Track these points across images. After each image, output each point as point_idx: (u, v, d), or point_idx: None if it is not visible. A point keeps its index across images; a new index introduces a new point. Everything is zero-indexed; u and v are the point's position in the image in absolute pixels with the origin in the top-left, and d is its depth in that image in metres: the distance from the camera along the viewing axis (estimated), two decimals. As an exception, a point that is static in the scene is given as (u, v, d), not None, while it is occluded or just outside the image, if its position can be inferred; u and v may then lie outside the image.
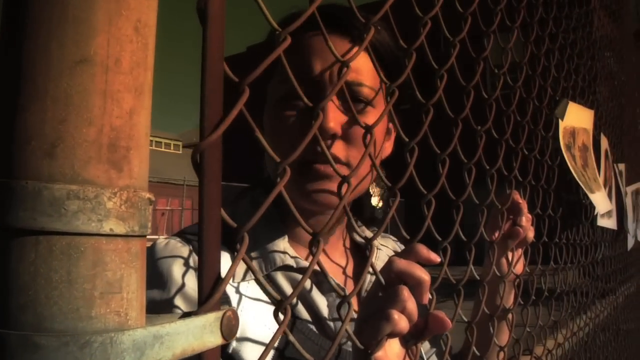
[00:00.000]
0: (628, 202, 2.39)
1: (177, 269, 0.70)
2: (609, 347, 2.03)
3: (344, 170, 0.70)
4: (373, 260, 0.86)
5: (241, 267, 0.74)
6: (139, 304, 0.34)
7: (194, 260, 0.72)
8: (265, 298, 0.74)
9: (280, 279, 0.76)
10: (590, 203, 1.59)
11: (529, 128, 1.11)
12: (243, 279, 0.74)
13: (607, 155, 1.86)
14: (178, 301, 0.68)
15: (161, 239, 0.75)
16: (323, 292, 0.78)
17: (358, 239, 0.90)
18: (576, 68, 1.33)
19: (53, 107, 0.30)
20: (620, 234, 2.28)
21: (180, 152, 47.11)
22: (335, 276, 0.82)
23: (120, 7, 0.33)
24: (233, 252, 0.75)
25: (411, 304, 0.59)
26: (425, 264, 0.65)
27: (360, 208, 0.90)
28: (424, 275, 0.62)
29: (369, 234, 0.93)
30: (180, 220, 16.58)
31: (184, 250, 0.73)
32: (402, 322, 0.58)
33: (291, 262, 0.76)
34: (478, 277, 0.90)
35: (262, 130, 0.81)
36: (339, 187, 0.57)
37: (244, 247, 0.43)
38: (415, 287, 0.62)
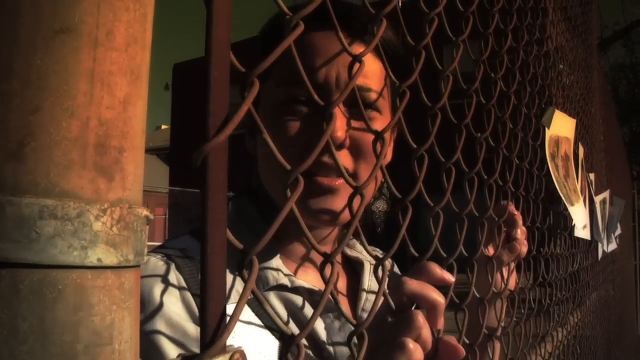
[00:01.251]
0: (597, 211, 2.40)
1: (158, 290, 0.61)
2: (574, 354, 2.01)
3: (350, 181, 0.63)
4: (367, 277, 0.80)
5: (230, 288, 0.66)
6: (133, 355, 0.26)
7: (177, 280, 0.63)
8: (257, 321, 0.66)
9: (273, 299, 0.69)
10: (569, 214, 1.56)
11: (521, 137, 1.06)
12: (233, 300, 0.65)
13: (582, 165, 1.85)
14: (161, 326, 0.59)
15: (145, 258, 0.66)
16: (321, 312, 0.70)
17: (349, 252, 0.83)
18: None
19: (22, 92, 0.22)
20: (591, 243, 2.28)
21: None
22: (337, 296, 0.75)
23: (114, -37, 0.25)
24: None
25: (426, 331, 0.53)
26: (439, 284, 0.58)
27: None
28: (438, 297, 0.55)
29: (359, 247, 0.86)
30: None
31: (166, 268, 0.64)
32: (417, 352, 0.51)
33: (285, 280, 0.69)
34: (478, 295, 0.84)
35: (253, 138, 0.74)
36: (350, 200, 0.50)
37: (253, 275, 0.35)
38: (430, 310, 0.55)
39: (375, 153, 0.54)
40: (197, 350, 0.60)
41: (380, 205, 0.83)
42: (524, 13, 1.18)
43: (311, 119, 0.67)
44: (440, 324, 0.56)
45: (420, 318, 0.52)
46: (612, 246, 3.00)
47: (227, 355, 0.32)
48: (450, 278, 0.59)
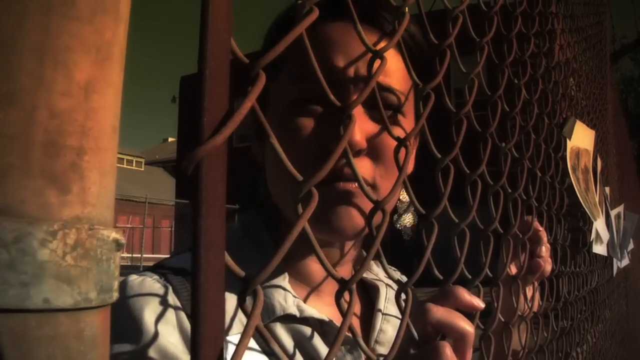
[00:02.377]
0: (613, 226, 2.33)
1: (153, 317, 0.54)
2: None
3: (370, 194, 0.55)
4: (383, 303, 0.72)
5: (230, 317, 0.59)
6: None
7: (174, 305, 0.56)
8: (256, 347, 0.59)
9: (280, 331, 0.61)
10: (589, 229, 1.49)
11: (544, 147, 1.00)
12: (233, 331, 0.58)
13: (599, 179, 1.78)
14: (154, 355, 0.52)
15: (133, 276, 0.59)
16: (329, 343, 0.63)
17: (364, 275, 0.76)
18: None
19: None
20: (607, 259, 2.20)
21: (143, 169, 46.37)
22: (340, 320, 0.67)
23: None
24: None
25: None
26: (467, 311, 0.51)
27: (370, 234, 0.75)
28: (468, 326, 0.48)
29: (375, 269, 0.79)
30: (141, 238, 16.06)
31: (162, 291, 0.57)
32: None
33: (294, 310, 0.61)
34: (502, 319, 0.77)
35: (261, 144, 0.67)
36: (370, 216, 0.43)
37: (257, 309, 0.28)
38: (457, 341, 0.48)
39: (398, 163, 0.48)
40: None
41: (407, 220, 0.75)
42: (539, 19, 1.12)
43: (327, 120, 0.60)
44: (469, 356, 0.49)
45: (448, 350, 0.46)
46: (625, 262, 2.92)
47: (223, 412, 0.26)
48: (480, 304, 0.52)
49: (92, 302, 0.18)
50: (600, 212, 1.52)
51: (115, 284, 0.21)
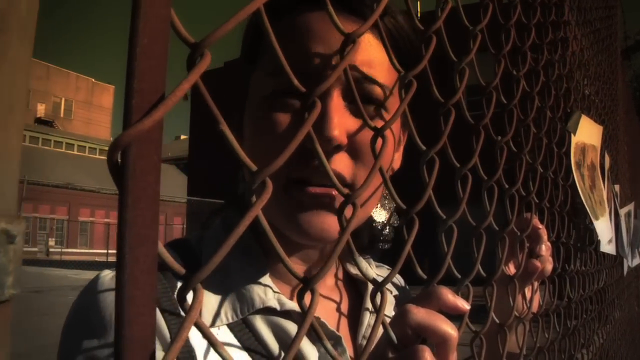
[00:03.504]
0: (622, 225, 2.28)
1: None
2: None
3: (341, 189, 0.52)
4: (369, 302, 0.70)
5: (209, 310, 0.57)
6: None
7: None
8: (237, 343, 0.57)
9: (260, 324, 0.59)
10: (594, 228, 1.45)
11: (546, 142, 0.97)
12: (212, 324, 0.57)
13: (608, 176, 1.74)
14: None
15: (106, 272, 0.58)
16: (314, 340, 0.61)
17: (353, 271, 0.74)
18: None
19: None
20: (617, 259, 2.16)
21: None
22: (328, 316, 0.65)
23: None
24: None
25: None
26: (450, 313, 0.48)
27: (357, 230, 0.73)
28: (450, 329, 0.46)
29: (364, 265, 0.76)
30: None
31: None
32: None
33: (274, 303, 0.59)
34: (497, 321, 0.74)
35: (239, 135, 0.64)
36: (340, 210, 0.41)
37: (197, 305, 0.26)
38: (440, 345, 0.46)
39: (374, 153, 0.45)
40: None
41: (382, 217, 0.73)
42: (547, 9, 1.08)
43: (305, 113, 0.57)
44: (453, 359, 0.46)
45: (427, 355, 0.43)
46: (637, 261, 2.86)
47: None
48: (465, 306, 0.49)
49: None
50: (606, 210, 1.48)
51: (9, 280, 0.18)
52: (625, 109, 3.48)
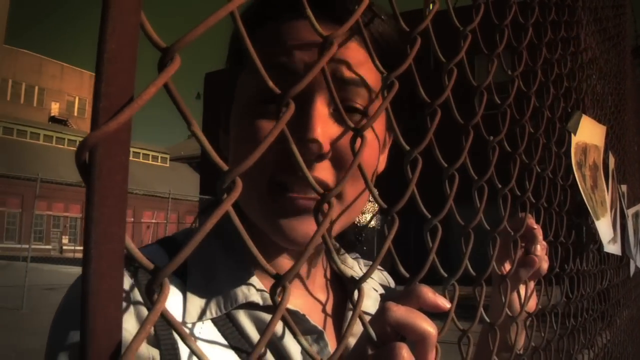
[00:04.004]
0: (629, 225, 2.27)
1: None
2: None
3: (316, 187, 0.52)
4: (356, 295, 0.71)
5: (195, 306, 0.59)
6: None
7: (132, 290, 0.55)
8: (223, 341, 0.58)
9: (243, 319, 0.60)
10: (597, 228, 1.45)
11: (543, 142, 0.97)
12: (199, 319, 0.58)
13: (613, 176, 1.73)
14: None
15: None
16: (294, 332, 0.62)
17: (339, 269, 0.75)
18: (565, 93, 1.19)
19: None
20: (623, 259, 2.15)
21: (168, 165, 46.92)
22: (314, 313, 0.66)
23: None
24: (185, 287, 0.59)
25: None
26: (431, 311, 0.49)
27: (343, 231, 0.74)
28: (429, 327, 0.46)
29: (350, 262, 0.77)
30: (165, 233, 16.26)
31: (125, 282, 0.56)
32: None
33: (257, 298, 0.60)
34: (488, 320, 0.75)
35: (227, 133, 0.65)
36: (316, 211, 0.42)
37: (162, 298, 0.27)
38: (419, 343, 0.47)
39: (353, 151, 0.46)
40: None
41: (364, 218, 0.74)
42: (548, 8, 1.09)
43: (289, 121, 0.58)
44: (432, 358, 0.47)
45: (405, 352, 0.44)
46: (645, 261, 2.85)
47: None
48: (446, 304, 0.50)
49: None
50: (607, 210, 1.47)
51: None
52: (635, 108, 3.45)
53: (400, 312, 0.46)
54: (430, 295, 0.49)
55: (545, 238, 0.94)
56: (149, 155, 47.04)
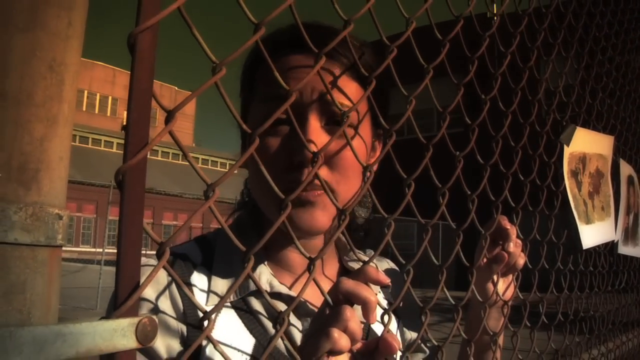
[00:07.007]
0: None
1: (151, 291, 0.73)
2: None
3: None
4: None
5: (217, 290, 0.76)
6: (45, 305, 0.39)
7: (167, 280, 0.74)
8: (239, 321, 0.76)
9: (255, 303, 0.78)
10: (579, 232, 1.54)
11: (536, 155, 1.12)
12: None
13: (631, 181, 1.82)
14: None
15: (143, 259, 0.79)
16: (299, 316, 0.80)
17: (349, 264, 0.92)
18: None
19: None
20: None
21: (236, 171, 48.09)
22: (317, 300, 0.81)
23: (35, 48, 0.38)
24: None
25: (353, 324, 0.61)
26: (375, 284, 0.67)
27: (353, 227, 0.93)
28: (370, 295, 0.64)
29: (365, 258, 0.95)
30: (189, 236, 16.77)
31: (162, 272, 0.74)
32: (342, 341, 0.59)
33: (265, 286, 0.77)
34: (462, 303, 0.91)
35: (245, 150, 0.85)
36: (310, 161, 0.64)
37: (163, 258, 0.47)
38: (362, 307, 0.64)
39: (347, 136, 0.67)
40: (177, 340, 0.72)
41: (362, 212, 0.92)
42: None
43: (291, 136, 0.75)
44: (373, 319, 0.64)
45: (347, 312, 0.61)
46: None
47: (136, 319, 0.44)
48: (385, 280, 0.68)
49: (42, 242, 0.38)
50: (610, 214, 1.58)
51: (59, 237, 0.40)
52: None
53: (349, 284, 0.64)
54: (374, 272, 0.67)
55: (528, 237, 1.10)
56: (217, 162, 48.93)
